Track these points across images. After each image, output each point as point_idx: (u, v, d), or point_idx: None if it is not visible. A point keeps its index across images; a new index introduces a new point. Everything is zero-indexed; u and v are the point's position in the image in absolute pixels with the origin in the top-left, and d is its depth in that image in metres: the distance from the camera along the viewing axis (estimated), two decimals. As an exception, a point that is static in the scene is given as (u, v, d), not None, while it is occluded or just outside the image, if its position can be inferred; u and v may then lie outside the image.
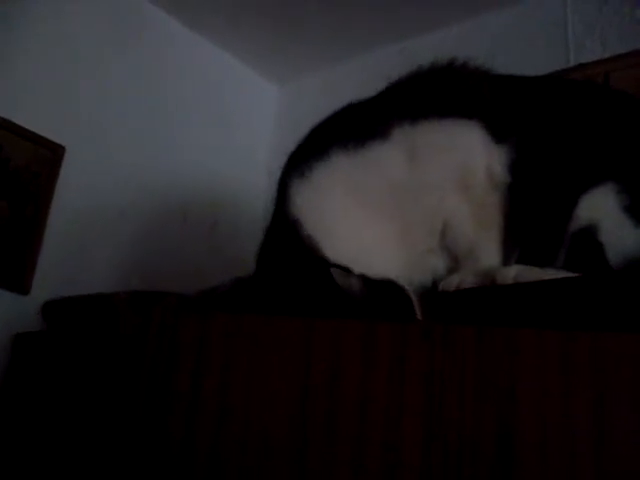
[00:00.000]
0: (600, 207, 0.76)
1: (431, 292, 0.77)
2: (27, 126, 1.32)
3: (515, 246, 0.81)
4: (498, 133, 0.81)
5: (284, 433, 0.58)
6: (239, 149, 1.80)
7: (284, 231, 0.82)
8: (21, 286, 1.29)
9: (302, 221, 0.80)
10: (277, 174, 0.86)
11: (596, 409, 0.50)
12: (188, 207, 1.63)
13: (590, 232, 0.75)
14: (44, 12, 1.41)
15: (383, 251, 0.81)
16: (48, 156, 1.34)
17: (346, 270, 0.75)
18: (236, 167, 1.73)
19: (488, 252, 0.81)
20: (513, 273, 0.70)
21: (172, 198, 1.61)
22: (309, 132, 0.87)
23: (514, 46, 1.49)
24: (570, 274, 0.69)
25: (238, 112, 1.85)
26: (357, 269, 0.76)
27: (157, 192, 1.58)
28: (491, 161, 0.81)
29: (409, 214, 0.80)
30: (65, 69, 1.44)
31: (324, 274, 0.74)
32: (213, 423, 0.60)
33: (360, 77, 1.69)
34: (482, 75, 0.90)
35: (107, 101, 1.52)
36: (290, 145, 0.87)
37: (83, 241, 1.42)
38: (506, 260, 0.81)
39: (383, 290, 0.76)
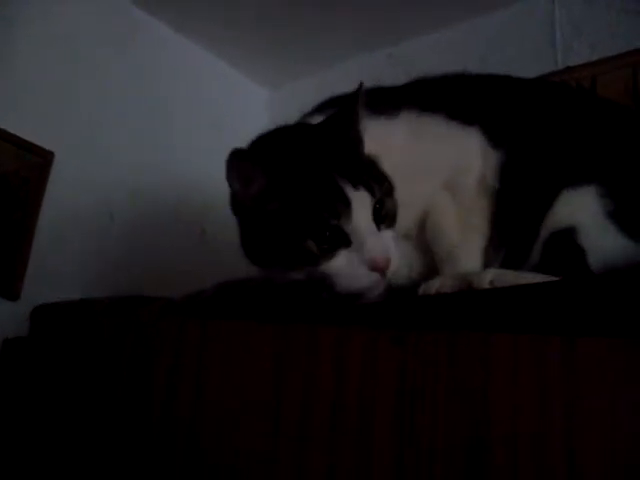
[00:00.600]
0: (582, 210, 0.76)
1: (410, 293, 0.77)
2: (15, 132, 1.31)
3: (500, 249, 0.82)
4: (495, 139, 0.83)
5: (256, 438, 0.58)
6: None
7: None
8: (10, 292, 1.29)
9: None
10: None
11: (569, 414, 0.49)
12: (178, 212, 1.63)
13: (569, 234, 0.75)
14: (33, 14, 1.40)
15: None
16: (37, 162, 1.34)
17: None
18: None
19: (469, 254, 0.82)
20: (489, 277, 0.70)
21: (161, 203, 1.60)
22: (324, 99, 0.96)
23: (502, 49, 1.49)
24: (545, 277, 0.68)
25: (229, 116, 1.85)
26: None
27: (147, 196, 1.58)
28: (485, 166, 0.83)
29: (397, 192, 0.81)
30: (55, 74, 1.43)
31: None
32: (186, 430, 0.60)
33: (350, 81, 1.70)
34: (484, 80, 0.93)
35: (97, 106, 1.51)
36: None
37: (73, 246, 1.41)
38: (491, 263, 0.82)
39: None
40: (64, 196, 1.40)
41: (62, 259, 1.39)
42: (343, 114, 0.81)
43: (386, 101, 0.88)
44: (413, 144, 0.84)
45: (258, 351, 0.61)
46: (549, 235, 0.77)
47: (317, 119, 0.87)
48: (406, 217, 0.83)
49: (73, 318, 1.00)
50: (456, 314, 0.60)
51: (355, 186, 0.72)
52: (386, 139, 0.84)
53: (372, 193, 0.73)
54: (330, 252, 0.70)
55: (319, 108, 0.92)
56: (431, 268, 0.83)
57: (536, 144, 0.82)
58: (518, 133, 0.83)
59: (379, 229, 0.74)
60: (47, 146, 1.37)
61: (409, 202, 0.82)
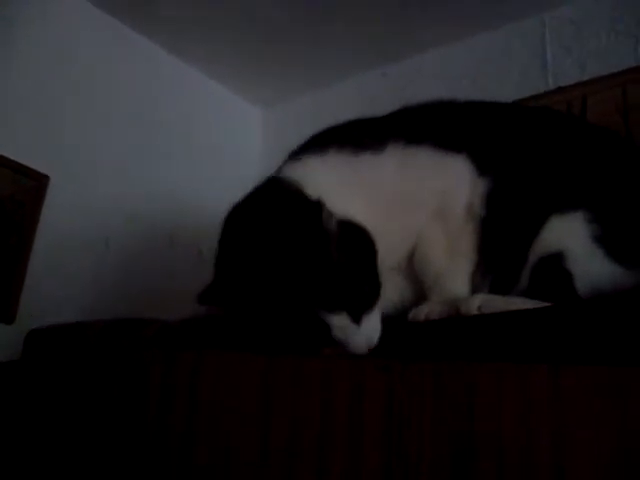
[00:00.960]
0: (570, 235, 0.76)
1: (400, 320, 0.77)
2: (11, 156, 1.32)
3: (487, 275, 0.82)
4: (481, 166, 0.83)
5: (247, 466, 0.58)
6: (225, 173, 1.81)
7: (269, 186, 0.81)
8: (6, 315, 1.29)
9: (290, 177, 0.79)
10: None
11: (555, 442, 0.49)
12: (174, 234, 1.63)
13: (558, 259, 0.75)
14: (28, 32, 1.42)
15: None
16: (32, 186, 1.35)
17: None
18: (223, 192, 1.74)
19: (456, 280, 0.82)
20: (478, 303, 0.70)
21: (158, 225, 1.61)
22: (309, 136, 0.89)
23: (494, 69, 1.51)
24: (534, 302, 0.69)
25: (224, 136, 1.87)
26: None
27: (143, 220, 1.58)
28: (473, 194, 0.83)
29: (384, 224, 0.80)
30: (48, 99, 1.45)
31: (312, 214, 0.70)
32: (178, 459, 0.60)
33: (344, 100, 1.72)
34: (470, 108, 0.93)
35: (91, 130, 1.53)
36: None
37: (68, 270, 1.42)
38: (478, 288, 0.81)
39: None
40: (60, 220, 1.41)
41: (58, 283, 1.39)
42: (311, 234, 0.71)
43: (371, 135, 0.86)
44: (400, 177, 0.83)
45: (248, 381, 0.61)
46: (537, 260, 0.77)
47: (304, 162, 0.84)
48: (396, 251, 0.83)
49: (67, 341, 1.00)
50: (443, 342, 0.60)
51: (332, 312, 0.69)
52: (373, 175, 0.82)
53: (351, 311, 0.69)
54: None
55: (308, 145, 0.88)
56: (422, 295, 0.83)
57: (523, 171, 0.82)
58: (504, 160, 0.83)
59: (361, 321, 0.70)
60: (42, 170, 1.38)
61: (398, 237, 0.83)
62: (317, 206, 0.71)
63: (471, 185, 0.83)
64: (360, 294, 0.70)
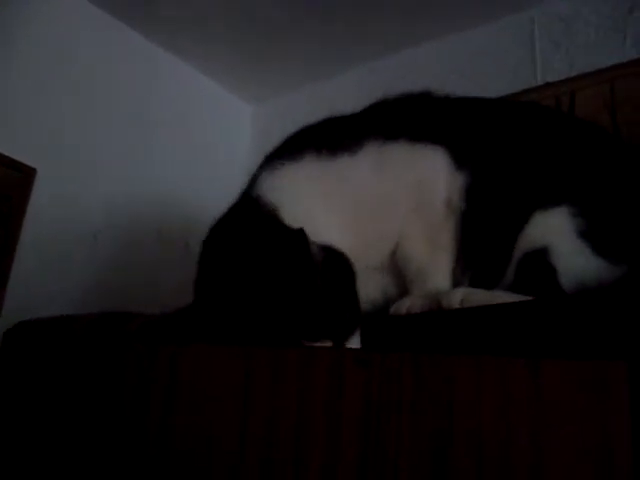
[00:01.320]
0: (554, 231, 0.76)
1: (382, 314, 0.77)
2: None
3: (468, 269, 0.82)
4: (460, 159, 0.83)
5: (227, 454, 0.58)
6: (218, 169, 1.82)
7: (247, 210, 0.81)
8: (-10, 309, 1.28)
9: (266, 197, 0.79)
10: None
11: (534, 436, 0.49)
12: (162, 228, 1.62)
13: (542, 255, 0.75)
14: (28, 32, 1.41)
15: None
16: (19, 178, 1.34)
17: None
18: (212, 187, 1.74)
19: (437, 274, 0.82)
20: (460, 296, 0.71)
21: (146, 219, 1.60)
22: (285, 138, 0.89)
23: (483, 65, 1.51)
24: (517, 296, 0.69)
25: (213, 132, 1.88)
26: None
27: (131, 213, 1.58)
28: (452, 187, 0.82)
29: (366, 227, 0.81)
30: (36, 89, 1.43)
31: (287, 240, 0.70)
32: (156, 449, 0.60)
33: (334, 94, 1.72)
34: (448, 102, 0.92)
35: (79, 122, 1.51)
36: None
37: (56, 264, 1.41)
38: (459, 283, 0.82)
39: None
40: (47, 213, 1.40)
41: (44, 278, 1.38)
42: (298, 267, 0.70)
43: (347, 134, 0.86)
44: (377, 179, 0.83)
45: (227, 374, 0.61)
46: (522, 256, 0.76)
47: (281, 172, 0.83)
48: (379, 252, 0.84)
49: (53, 335, 0.99)
50: (425, 335, 0.60)
51: (317, 340, 0.68)
52: (351, 179, 0.82)
53: (335, 338, 0.69)
54: None
55: (285, 149, 0.87)
56: (405, 291, 0.83)
57: (503, 165, 0.82)
58: (484, 154, 0.83)
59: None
60: (29, 162, 1.37)
61: (381, 237, 0.83)
62: (303, 237, 0.69)
63: (449, 178, 0.83)
64: (343, 320, 0.70)
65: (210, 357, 0.63)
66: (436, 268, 0.82)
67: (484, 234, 0.81)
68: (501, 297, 0.69)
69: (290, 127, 0.92)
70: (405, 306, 0.74)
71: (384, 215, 0.83)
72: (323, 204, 0.80)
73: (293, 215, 0.76)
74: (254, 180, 0.85)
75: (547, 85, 1.38)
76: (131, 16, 1.61)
